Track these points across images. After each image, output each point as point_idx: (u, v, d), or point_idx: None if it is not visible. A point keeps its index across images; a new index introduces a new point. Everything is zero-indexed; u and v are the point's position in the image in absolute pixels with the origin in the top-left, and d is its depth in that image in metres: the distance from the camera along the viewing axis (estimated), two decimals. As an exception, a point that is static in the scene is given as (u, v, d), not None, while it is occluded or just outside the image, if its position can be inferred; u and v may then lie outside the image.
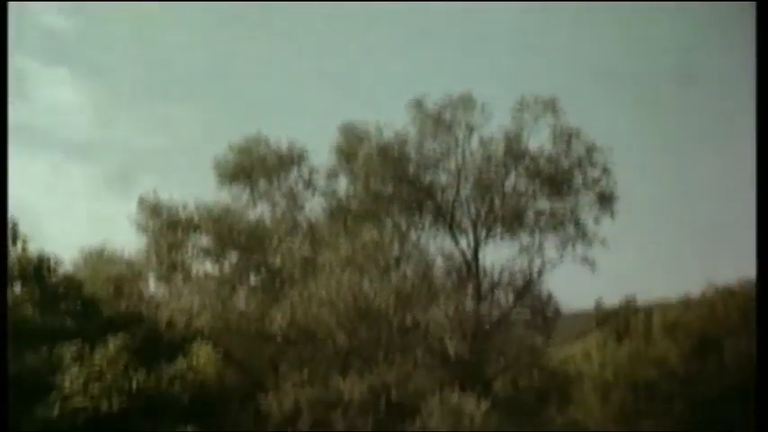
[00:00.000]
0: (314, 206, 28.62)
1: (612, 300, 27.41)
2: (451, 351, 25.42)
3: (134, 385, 19.73)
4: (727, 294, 23.92)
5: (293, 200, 28.31)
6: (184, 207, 26.90)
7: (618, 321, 26.32)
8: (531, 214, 27.47)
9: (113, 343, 20.16)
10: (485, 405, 23.09)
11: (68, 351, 19.92)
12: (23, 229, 20.83)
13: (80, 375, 19.29)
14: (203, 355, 21.31)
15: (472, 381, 24.90)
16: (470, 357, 25.73)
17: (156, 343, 22.14)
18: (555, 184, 27.24)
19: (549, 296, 27.16)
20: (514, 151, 27.33)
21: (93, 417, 18.96)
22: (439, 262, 28.04)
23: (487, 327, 26.18)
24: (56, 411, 18.80)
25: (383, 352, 25.69)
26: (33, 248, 21.42)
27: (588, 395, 23.58)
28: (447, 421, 23.10)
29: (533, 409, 25.05)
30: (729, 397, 22.31)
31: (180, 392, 20.55)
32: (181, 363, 20.97)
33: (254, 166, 27.82)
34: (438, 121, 27.44)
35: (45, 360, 19.73)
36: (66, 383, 19.14)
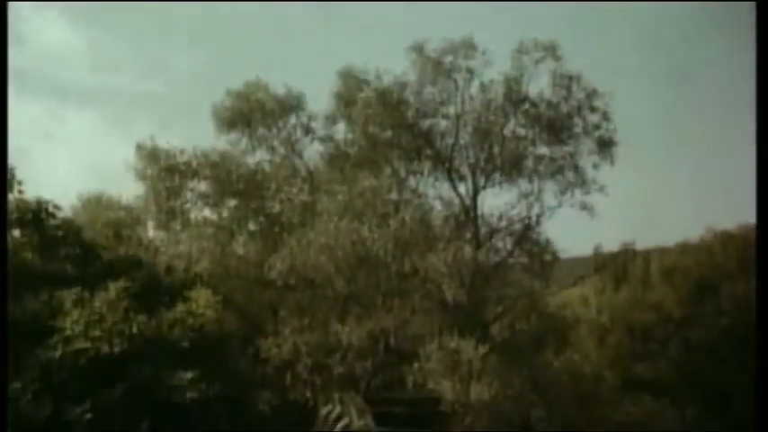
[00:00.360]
0: (312, 153, 28.62)
1: (611, 245, 27.52)
2: (449, 297, 25.55)
3: (134, 329, 19.80)
4: (726, 239, 23.97)
5: (292, 146, 28.25)
6: (182, 153, 26.84)
7: (616, 267, 26.43)
8: (530, 160, 27.43)
9: (113, 288, 20.19)
10: (483, 349, 23.29)
11: (69, 295, 19.97)
12: (20, 174, 20.74)
13: (81, 319, 19.36)
14: (203, 300, 21.36)
15: (470, 325, 25.09)
16: (469, 303, 25.89)
17: (155, 288, 22.19)
18: (554, 130, 27.15)
19: (548, 242, 27.26)
20: (514, 97, 27.17)
21: (95, 359, 19.08)
22: (438, 208, 28.11)
23: (486, 272, 26.30)
24: (58, 353, 18.92)
25: (382, 298, 25.87)
26: (31, 194, 21.37)
27: (585, 339, 23.79)
28: (445, 365, 23.32)
29: (530, 352, 25.26)
30: (725, 340, 22.51)
31: (180, 337, 20.62)
32: (180, 307, 21.02)
33: (252, 112, 27.70)
34: (438, 67, 27.22)
35: (46, 304, 19.80)
36: (68, 327, 19.23)
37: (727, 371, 23.04)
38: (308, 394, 23.17)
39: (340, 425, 18.19)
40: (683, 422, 23.99)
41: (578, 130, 27.24)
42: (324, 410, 19.90)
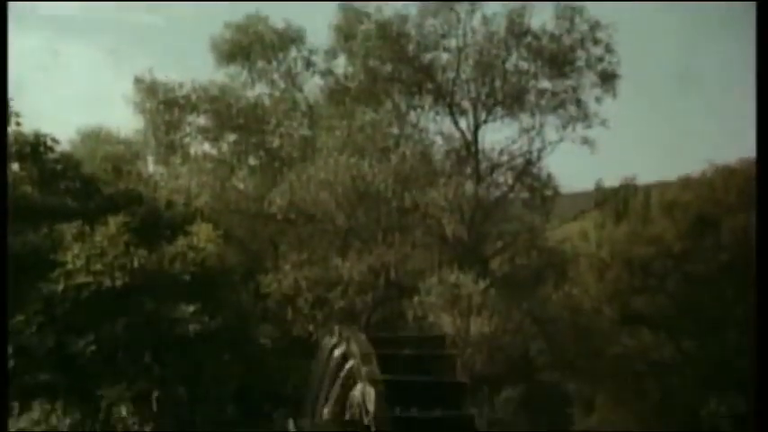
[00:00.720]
0: (313, 87, 28.37)
1: (612, 180, 27.46)
2: (449, 232, 25.64)
3: (135, 263, 19.88)
4: (727, 173, 23.89)
5: (292, 80, 28.00)
6: (181, 87, 26.62)
7: (617, 201, 26.41)
8: (532, 94, 27.20)
9: (113, 222, 20.20)
10: (483, 284, 23.44)
11: (69, 229, 20.01)
12: (17, 107, 20.57)
13: (82, 253, 19.44)
14: (203, 235, 21.39)
15: (470, 260, 25.21)
16: (469, 237, 25.98)
17: (155, 223, 22.21)
18: (557, 64, 26.85)
19: (549, 177, 27.19)
20: (516, 29, 26.79)
21: (96, 292, 19.21)
22: (438, 143, 27.99)
23: (486, 207, 26.32)
24: (60, 287, 19.06)
25: (382, 233, 25.94)
26: (29, 127, 21.25)
27: (584, 273, 23.92)
28: (445, 299, 23.49)
29: (530, 287, 25.43)
30: (724, 274, 22.62)
31: (181, 271, 20.71)
32: (181, 242, 21.06)
33: (252, 45, 27.38)
34: (440, -1, 26.81)
35: (46, 237, 19.87)
36: (69, 261, 19.32)
37: (725, 304, 23.23)
38: (310, 328, 23.36)
39: (346, 367, 18.27)
40: (680, 354, 24.27)
41: (581, 63, 26.93)
42: (325, 341, 20.06)
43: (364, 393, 16.71)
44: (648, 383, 24.56)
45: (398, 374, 17.24)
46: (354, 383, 17.69)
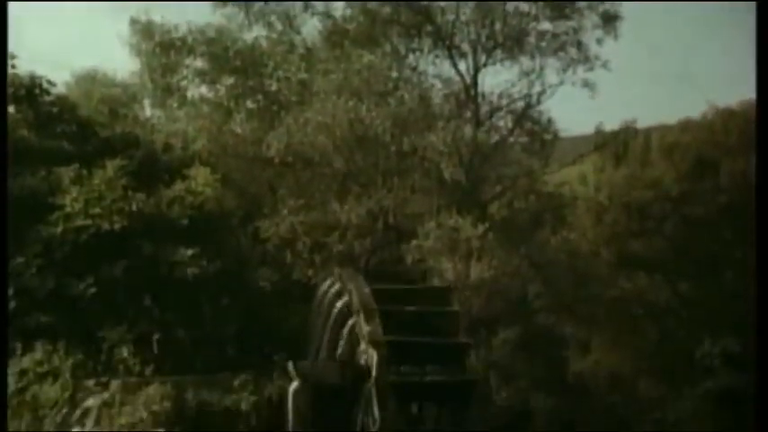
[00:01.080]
0: (311, 29, 28.02)
1: (613, 124, 27.26)
2: (448, 176, 25.60)
3: (133, 207, 19.92)
4: (727, 115, 23.74)
5: (290, 22, 27.62)
6: (177, 28, 26.28)
7: (616, 145, 26.28)
8: (532, 36, 26.87)
9: (111, 166, 20.17)
10: (482, 228, 23.49)
11: (66, 173, 19.97)
12: (11, 48, 20.33)
13: (80, 197, 19.45)
14: (201, 179, 21.39)
15: (469, 204, 25.20)
16: (467, 181, 25.95)
17: (153, 166, 22.18)
18: (557, 5, 26.47)
19: (549, 121, 27.04)
20: (516, -30, 26.41)
21: (95, 235, 19.26)
22: (437, 86, 27.73)
23: (485, 151, 26.23)
24: (59, 229, 19.10)
25: (380, 177, 25.87)
26: (24, 69, 21.06)
27: (582, 217, 23.93)
28: (444, 243, 23.54)
29: (528, 231, 25.48)
30: (722, 217, 22.66)
31: (179, 214, 20.76)
32: (179, 186, 21.08)
33: (249, -15, 26.94)
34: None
35: (44, 180, 19.85)
36: (67, 204, 19.33)
37: (723, 247, 23.32)
38: (309, 272, 23.45)
39: (348, 323, 18.36)
40: (676, 297, 24.45)
41: (582, 4, 26.57)
42: (324, 285, 20.17)
43: (367, 354, 16.87)
44: (644, 326, 24.81)
45: (401, 332, 17.34)
46: (358, 342, 17.79)
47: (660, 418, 23.48)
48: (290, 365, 17.79)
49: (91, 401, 16.71)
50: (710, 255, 23.27)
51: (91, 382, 17.29)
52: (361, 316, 17.09)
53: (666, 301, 24.38)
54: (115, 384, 17.07)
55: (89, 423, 16.29)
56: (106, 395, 16.86)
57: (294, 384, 17.35)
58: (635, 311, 24.67)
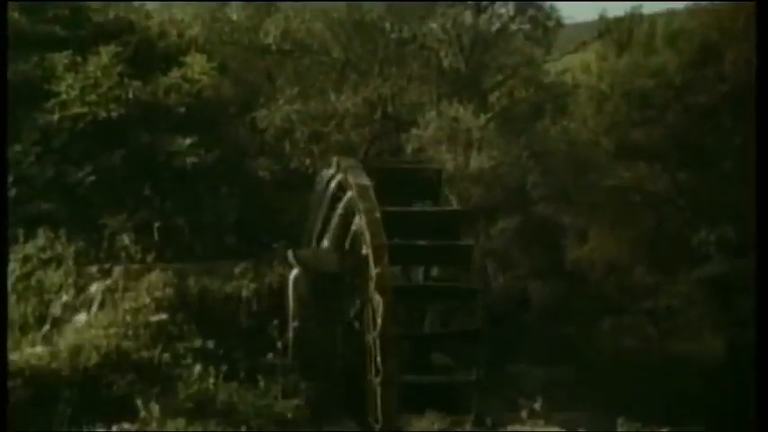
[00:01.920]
0: None
1: (617, 10, 26.65)
2: (447, 64, 25.30)
3: (130, 94, 19.70)
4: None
5: None
6: None
7: (621, 32, 25.76)
8: None
9: (106, 52, 19.84)
10: (483, 117, 23.37)
11: (60, 59, 19.68)
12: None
13: (75, 83, 19.22)
14: (198, 66, 21.09)
15: (469, 94, 24.98)
16: (467, 70, 25.65)
17: (149, 53, 21.81)
18: None
19: (552, 7, 26.44)
20: None
21: (92, 123, 19.13)
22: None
23: (486, 39, 25.80)
24: (55, 117, 18.96)
25: (378, 65, 25.59)
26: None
27: (583, 106, 23.70)
28: (444, 132, 23.46)
29: (529, 120, 25.34)
30: (724, 105, 22.46)
31: (176, 103, 20.55)
32: (175, 73, 20.79)
33: None
34: None
35: (37, 66, 19.58)
36: (63, 91, 19.12)
37: (723, 135, 23.21)
38: (307, 162, 23.44)
39: (344, 198, 18.40)
40: (674, 185, 24.51)
41: None
42: (323, 172, 20.19)
43: (362, 226, 17.00)
44: (642, 214, 24.96)
45: (397, 206, 17.49)
46: (353, 216, 17.97)
47: (654, 304, 23.96)
48: (290, 254, 18.00)
49: (95, 287, 16.94)
50: (711, 143, 23.18)
51: (94, 269, 17.48)
52: (356, 190, 17.28)
53: (665, 190, 24.44)
54: (118, 271, 17.26)
55: (93, 307, 16.56)
56: (109, 281, 17.07)
57: (294, 272, 17.60)
58: (633, 200, 24.77)
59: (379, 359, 15.67)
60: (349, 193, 18.01)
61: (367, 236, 16.36)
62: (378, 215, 16.58)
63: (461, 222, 18.55)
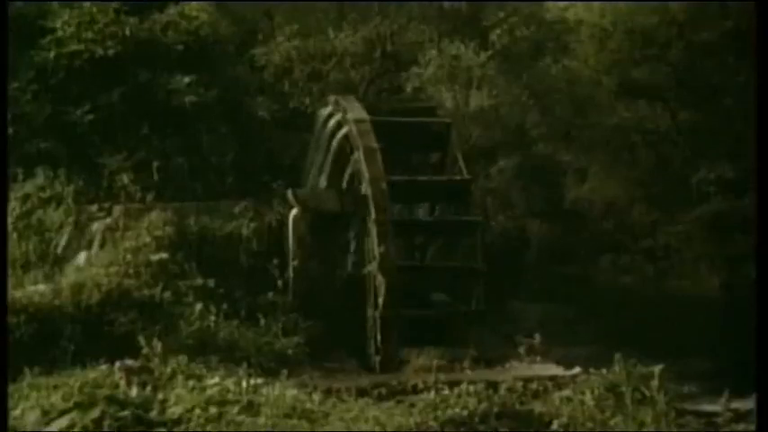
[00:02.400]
0: None
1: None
2: (447, 2, 24.98)
3: (127, 32, 19.49)
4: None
5: None
6: None
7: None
8: None
9: (101, -14, 19.57)
10: (483, 56, 23.14)
11: (55, -8, 19.41)
12: None
13: (71, 20, 19.00)
14: (195, 3, 20.85)
15: (470, 32, 24.70)
16: (467, 9, 25.33)
17: (145, -13, 21.47)
18: None
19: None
20: None
21: (89, 61, 18.96)
22: None
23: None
24: (52, 54, 18.78)
25: (378, 3, 25.26)
26: None
27: (585, 44, 23.39)
28: (444, 71, 23.27)
29: (530, 59, 25.09)
30: (727, 41, 22.17)
31: (174, 41, 20.36)
32: (172, 9, 20.55)
33: None
34: None
35: (32, 3, 19.33)
36: (59, 27, 18.91)
37: (725, 73, 22.97)
38: (307, 101, 23.30)
39: (340, 133, 18.34)
40: (675, 124, 24.36)
41: None
42: (321, 111, 20.11)
43: (359, 162, 16.98)
44: (642, 153, 24.87)
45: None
46: (351, 152, 17.93)
47: (653, 243, 24.05)
48: (290, 193, 18.04)
49: (95, 226, 17.00)
50: (713, 81, 22.95)
51: (94, 208, 17.54)
52: (354, 125, 17.26)
53: (665, 129, 24.31)
54: (118, 210, 17.32)
55: (94, 246, 16.64)
56: (109, 220, 17.13)
57: (294, 211, 17.65)
58: (634, 139, 24.65)
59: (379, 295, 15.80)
60: (345, 129, 17.98)
61: (372, 209, 16.31)
62: (384, 185, 16.49)
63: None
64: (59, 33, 18.88)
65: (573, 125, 24.50)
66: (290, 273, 17.14)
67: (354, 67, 24.34)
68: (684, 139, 23.96)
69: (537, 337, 14.48)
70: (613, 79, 23.38)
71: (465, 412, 10.29)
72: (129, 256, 15.62)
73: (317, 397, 11.46)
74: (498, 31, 25.58)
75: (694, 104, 23.57)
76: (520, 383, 11.90)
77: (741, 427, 10.34)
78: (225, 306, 14.97)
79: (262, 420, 9.89)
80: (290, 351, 14.96)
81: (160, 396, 10.51)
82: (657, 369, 11.06)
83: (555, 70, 25.00)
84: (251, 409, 10.35)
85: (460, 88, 23.45)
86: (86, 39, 18.91)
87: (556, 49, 25.14)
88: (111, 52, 18.99)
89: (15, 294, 13.92)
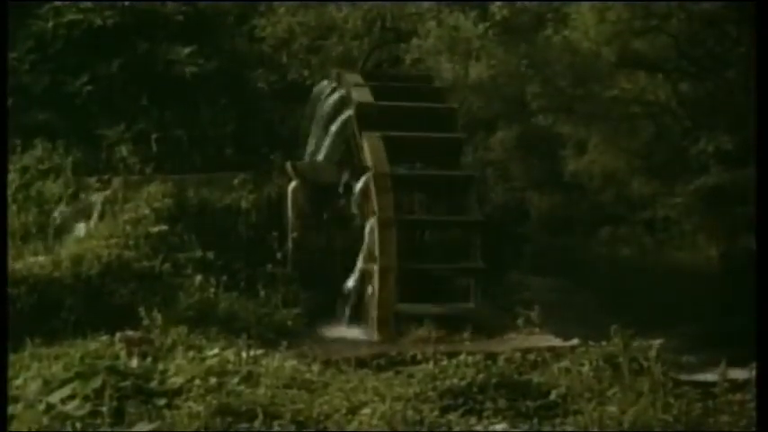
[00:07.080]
0: None
1: None
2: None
3: (126, 2, 19.38)
4: None
5: None
6: None
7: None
8: None
9: (98, -44, 19.38)
10: (482, 27, 23.02)
11: (52, -37, 19.23)
12: None
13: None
14: (193, -28, 20.66)
15: (470, 2, 24.54)
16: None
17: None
18: None
19: None
20: None
21: (88, 31, 18.83)
22: None
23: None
24: (50, 24, 18.66)
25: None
26: None
27: (585, 15, 23.24)
28: (444, 43, 23.17)
29: (529, 30, 24.94)
30: (728, 13, 22.02)
31: (173, 11, 20.22)
32: (172, -20, 20.35)
33: None
34: None
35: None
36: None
37: (726, 44, 22.86)
38: (306, 73, 23.20)
39: (343, 115, 18.24)
40: (675, 95, 24.32)
41: None
42: (321, 85, 20.02)
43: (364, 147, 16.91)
44: (641, 124, 24.85)
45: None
46: (353, 136, 17.84)
47: (652, 214, 24.10)
48: (289, 165, 18.01)
49: (94, 197, 16.99)
50: (713, 52, 22.87)
51: (93, 180, 17.51)
52: (355, 108, 17.18)
53: (665, 101, 24.26)
54: (117, 182, 17.30)
55: (93, 218, 16.65)
56: (108, 192, 17.12)
57: (293, 183, 17.64)
58: (633, 110, 24.61)
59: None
60: (348, 113, 17.89)
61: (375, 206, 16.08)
62: (390, 191, 16.19)
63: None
64: (57, 3, 18.72)
65: (573, 97, 24.43)
66: (290, 244, 17.15)
67: (354, 39, 24.22)
68: (684, 111, 23.93)
69: (535, 309, 14.50)
70: (613, 50, 23.28)
71: (464, 383, 10.36)
72: (128, 228, 15.63)
73: (316, 368, 11.53)
74: (498, 2, 25.41)
75: (695, 76, 23.51)
76: (518, 354, 11.92)
77: (738, 396, 10.40)
78: (224, 278, 15.01)
79: (261, 391, 9.96)
80: (289, 322, 15.02)
81: (160, 366, 10.57)
82: (656, 343, 11.12)
83: (555, 41, 24.88)
84: (250, 379, 10.43)
85: (460, 59, 23.34)
86: (85, 8, 18.76)
87: (556, 20, 24.99)
88: (110, 22, 18.84)
89: (15, 266, 13.94)
